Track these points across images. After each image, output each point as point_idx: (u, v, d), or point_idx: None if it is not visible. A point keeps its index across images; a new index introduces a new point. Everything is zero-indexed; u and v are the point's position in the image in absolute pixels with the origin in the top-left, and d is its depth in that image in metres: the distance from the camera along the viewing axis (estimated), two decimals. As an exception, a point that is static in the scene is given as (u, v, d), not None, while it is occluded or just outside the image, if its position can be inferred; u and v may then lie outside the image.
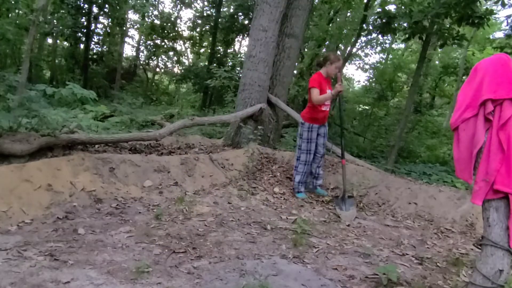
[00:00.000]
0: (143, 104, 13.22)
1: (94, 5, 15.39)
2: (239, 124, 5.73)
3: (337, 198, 3.94)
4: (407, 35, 7.49)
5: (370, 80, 15.47)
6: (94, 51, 17.30)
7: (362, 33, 11.58)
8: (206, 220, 3.17)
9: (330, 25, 12.85)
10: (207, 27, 18.12)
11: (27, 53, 6.03)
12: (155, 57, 20.20)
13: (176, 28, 18.92)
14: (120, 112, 9.28)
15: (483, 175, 1.76)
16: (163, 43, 19.20)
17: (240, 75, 7.12)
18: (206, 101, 15.69)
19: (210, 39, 17.52)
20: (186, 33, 19.60)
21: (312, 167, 4.36)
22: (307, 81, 10.83)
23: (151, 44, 19.23)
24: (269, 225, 3.22)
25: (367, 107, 14.50)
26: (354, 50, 13.79)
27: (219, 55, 16.85)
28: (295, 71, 11.00)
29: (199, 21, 18.38)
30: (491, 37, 13.51)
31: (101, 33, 18.01)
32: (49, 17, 14.67)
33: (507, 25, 7.59)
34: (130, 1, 15.49)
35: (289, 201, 4.11)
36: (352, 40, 12.59)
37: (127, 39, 19.29)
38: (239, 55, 13.23)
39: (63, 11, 14.90)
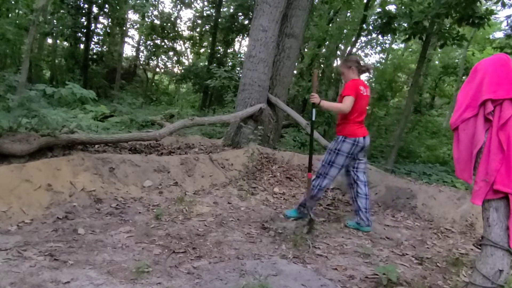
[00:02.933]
0: (143, 104, 13.22)
1: (94, 5, 15.38)
2: (239, 124, 5.73)
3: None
4: (407, 35, 7.49)
5: (370, 80, 15.47)
6: (94, 51, 17.30)
7: (362, 33, 11.59)
8: (206, 220, 3.17)
9: (330, 25, 12.85)
10: (207, 27, 18.12)
11: (27, 53, 6.03)
12: (155, 57, 20.19)
13: (176, 28, 18.92)
14: (120, 112, 9.27)
15: (483, 175, 1.76)
16: (163, 43, 19.19)
17: (240, 75, 7.12)
18: (206, 101, 15.69)
19: (210, 39, 17.52)
20: (186, 33, 19.61)
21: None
22: (307, 81, 10.90)
23: (151, 44, 19.22)
24: (269, 225, 3.22)
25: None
26: (354, 50, 13.79)
27: (219, 55, 16.85)
28: (295, 71, 11.01)
29: (199, 21, 18.38)
30: (491, 37, 13.52)
31: (101, 33, 18.02)
32: (49, 17, 14.67)
33: (507, 25, 7.60)
34: (130, 1, 15.49)
35: (289, 201, 4.11)
36: (352, 40, 12.59)
37: (127, 39, 19.31)
38: (239, 55, 13.23)
39: (63, 11, 14.90)
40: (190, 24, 18.93)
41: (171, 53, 20.49)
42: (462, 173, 1.88)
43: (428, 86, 14.67)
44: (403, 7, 8.27)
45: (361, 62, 3.57)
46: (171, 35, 18.75)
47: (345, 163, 3.33)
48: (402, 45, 16.27)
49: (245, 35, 16.24)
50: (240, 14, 14.91)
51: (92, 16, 16.00)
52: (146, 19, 17.95)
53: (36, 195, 2.94)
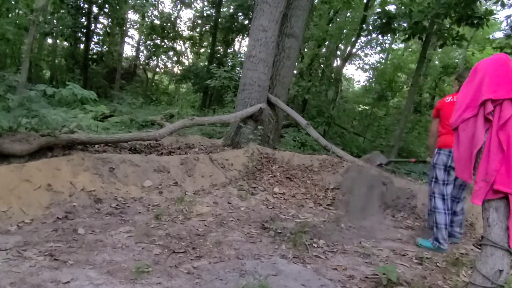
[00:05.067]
0: (143, 104, 13.20)
1: (94, 5, 15.38)
2: (239, 124, 5.73)
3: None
4: (407, 35, 7.50)
5: (370, 80, 15.48)
6: (94, 51, 17.27)
7: (362, 33, 11.58)
8: (206, 220, 3.17)
9: (330, 25, 12.84)
10: (207, 27, 18.11)
11: (27, 53, 6.01)
12: (155, 57, 20.18)
13: (176, 28, 18.91)
14: (120, 112, 9.26)
15: (483, 175, 1.76)
16: (163, 43, 19.18)
17: (240, 75, 7.13)
18: (206, 101, 15.68)
19: (210, 39, 17.52)
20: (186, 33, 19.61)
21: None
22: (307, 81, 10.89)
23: (151, 44, 19.21)
24: (269, 225, 3.22)
25: (367, 107, 14.52)
26: (354, 50, 13.78)
27: (219, 55, 16.84)
28: (295, 71, 11.00)
29: (199, 21, 18.37)
30: (491, 37, 13.50)
31: (101, 33, 18.00)
32: (49, 17, 14.65)
33: (506, 25, 7.60)
34: (130, 1, 15.48)
35: (289, 201, 4.11)
36: (352, 40, 12.58)
37: (127, 39, 19.27)
38: (239, 55, 13.22)
39: (63, 11, 14.88)
40: (190, 24, 18.92)
41: (171, 53, 20.49)
42: (462, 173, 1.88)
43: (428, 86, 14.67)
44: (402, 7, 8.28)
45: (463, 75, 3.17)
46: (171, 35, 18.74)
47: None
48: (402, 45, 16.27)
49: (245, 35, 16.24)
50: (240, 14, 14.91)
51: (92, 16, 15.99)
52: (146, 19, 17.93)
53: (36, 195, 2.94)
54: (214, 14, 16.60)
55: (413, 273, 2.53)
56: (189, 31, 19.33)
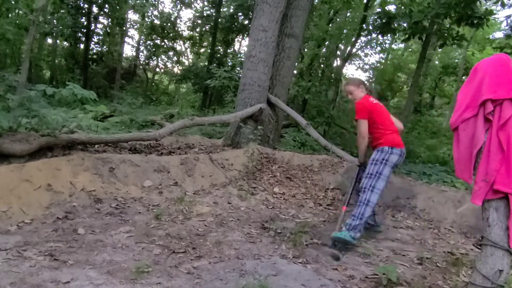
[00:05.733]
0: (143, 104, 13.20)
1: (94, 5, 15.39)
2: (239, 124, 5.73)
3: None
4: (407, 35, 7.50)
5: (370, 80, 15.49)
6: (94, 51, 17.29)
7: (362, 33, 11.59)
8: (206, 220, 3.17)
9: (330, 25, 12.85)
10: (207, 27, 18.12)
11: (27, 53, 6.03)
12: (155, 57, 20.19)
13: (176, 28, 18.93)
14: (120, 112, 9.26)
15: (483, 175, 1.76)
16: (163, 43, 19.20)
17: (240, 75, 7.13)
18: (206, 101, 15.69)
19: (210, 39, 17.53)
20: (186, 33, 19.62)
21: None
22: (307, 81, 10.89)
23: (151, 44, 19.22)
24: (269, 225, 3.22)
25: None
26: (354, 50, 13.79)
27: (219, 55, 16.85)
28: (295, 71, 11.00)
29: (199, 21, 18.39)
30: (491, 37, 13.51)
31: (101, 33, 18.01)
32: (49, 17, 14.66)
33: (506, 25, 7.61)
34: (130, 1, 15.49)
35: (289, 201, 4.11)
36: (352, 40, 12.59)
37: (127, 39, 19.30)
38: (239, 55, 13.22)
39: (63, 11, 14.89)
40: (190, 24, 18.94)
41: (171, 53, 20.51)
42: (462, 173, 1.88)
43: (428, 86, 14.67)
44: (402, 7, 8.29)
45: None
46: (171, 35, 18.76)
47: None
48: (402, 45, 16.28)
49: (245, 35, 16.25)
50: (240, 14, 14.92)
51: (92, 16, 16.00)
52: (146, 19, 17.95)
53: (36, 195, 2.94)
54: (214, 14, 16.61)
55: (413, 273, 2.53)
56: (189, 31, 19.35)
